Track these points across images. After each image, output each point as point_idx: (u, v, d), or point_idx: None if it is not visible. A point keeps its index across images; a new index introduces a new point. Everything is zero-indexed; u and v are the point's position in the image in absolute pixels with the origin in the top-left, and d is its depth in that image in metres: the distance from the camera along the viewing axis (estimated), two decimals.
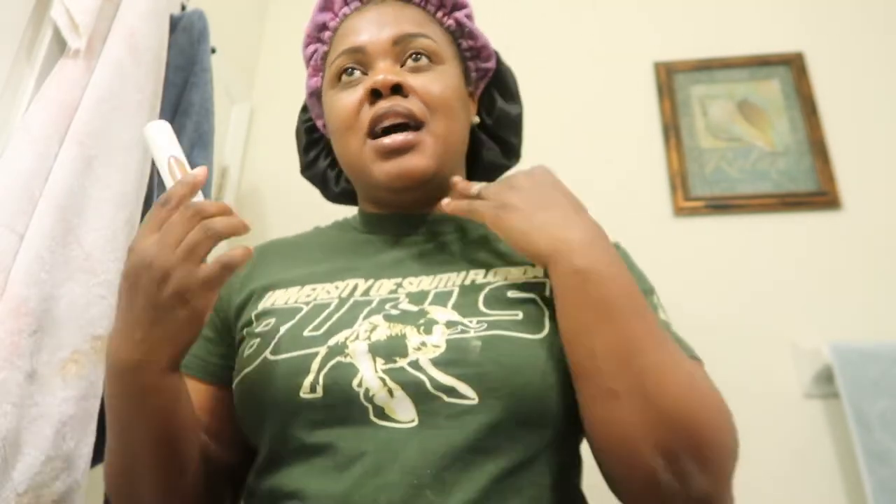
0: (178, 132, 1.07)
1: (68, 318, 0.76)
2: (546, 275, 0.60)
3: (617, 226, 1.49)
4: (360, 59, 0.67)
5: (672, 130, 1.55)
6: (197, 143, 1.08)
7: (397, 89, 0.64)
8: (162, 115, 1.01)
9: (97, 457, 0.80)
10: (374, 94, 0.64)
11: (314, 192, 0.91)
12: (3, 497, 0.66)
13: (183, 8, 1.21)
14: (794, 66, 1.58)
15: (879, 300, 1.33)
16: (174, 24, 1.10)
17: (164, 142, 0.57)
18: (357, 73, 0.67)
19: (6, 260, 0.72)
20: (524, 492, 0.52)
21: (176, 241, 0.48)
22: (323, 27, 0.74)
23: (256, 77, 1.83)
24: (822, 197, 1.44)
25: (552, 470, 0.55)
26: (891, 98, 1.51)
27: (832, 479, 1.21)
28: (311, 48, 0.76)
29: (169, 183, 0.54)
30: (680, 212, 1.47)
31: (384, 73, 0.64)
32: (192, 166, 0.54)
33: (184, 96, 1.09)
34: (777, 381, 1.29)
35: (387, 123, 0.63)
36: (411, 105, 0.63)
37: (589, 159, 1.57)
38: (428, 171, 0.64)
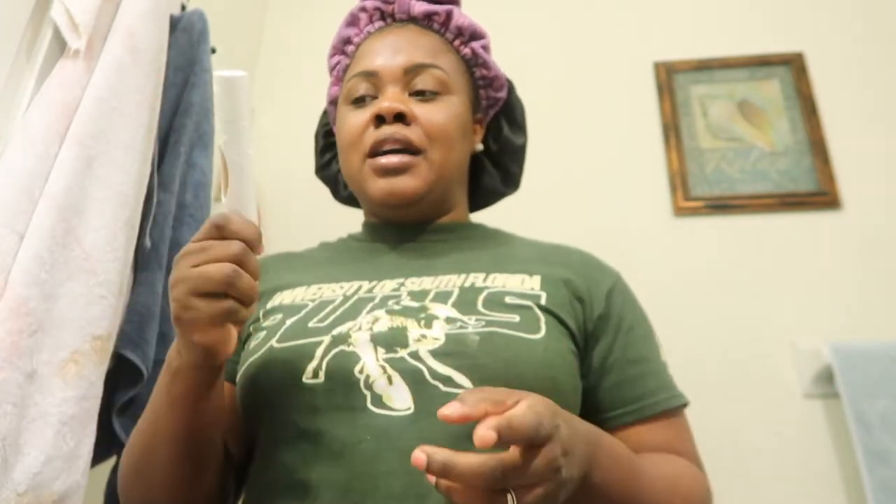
0: (179, 132, 1.06)
1: (68, 318, 0.76)
2: (542, 287, 0.63)
3: (617, 226, 1.50)
4: (373, 83, 0.71)
5: (672, 130, 1.55)
6: (197, 143, 1.08)
7: (400, 117, 0.67)
8: (162, 116, 1.01)
9: (97, 457, 0.81)
10: (379, 120, 0.68)
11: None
12: (3, 497, 0.66)
13: (183, 8, 1.21)
14: (794, 66, 1.58)
15: (879, 300, 1.33)
16: (174, 24, 1.09)
17: (244, 121, 0.48)
18: (368, 99, 0.71)
19: (6, 260, 0.72)
20: None
21: (206, 264, 0.47)
22: (347, 41, 0.78)
23: (256, 77, 1.83)
24: (822, 197, 1.44)
25: None
26: (891, 98, 1.51)
27: (832, 479, 1.21)
28: (336, 59, 0.80)
29: (223, 180, 0.50)
30: (680, 212, 1.47)
31: (390, 100, 0.68)
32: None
33: (184, 96, 1.09)
34: (777, 381, 1.29)
35: (386, 148, 0.68)
36: (411, 134, 0.67)
37: (589, 160, 1.57)
38: (418, 192, 0.68)
